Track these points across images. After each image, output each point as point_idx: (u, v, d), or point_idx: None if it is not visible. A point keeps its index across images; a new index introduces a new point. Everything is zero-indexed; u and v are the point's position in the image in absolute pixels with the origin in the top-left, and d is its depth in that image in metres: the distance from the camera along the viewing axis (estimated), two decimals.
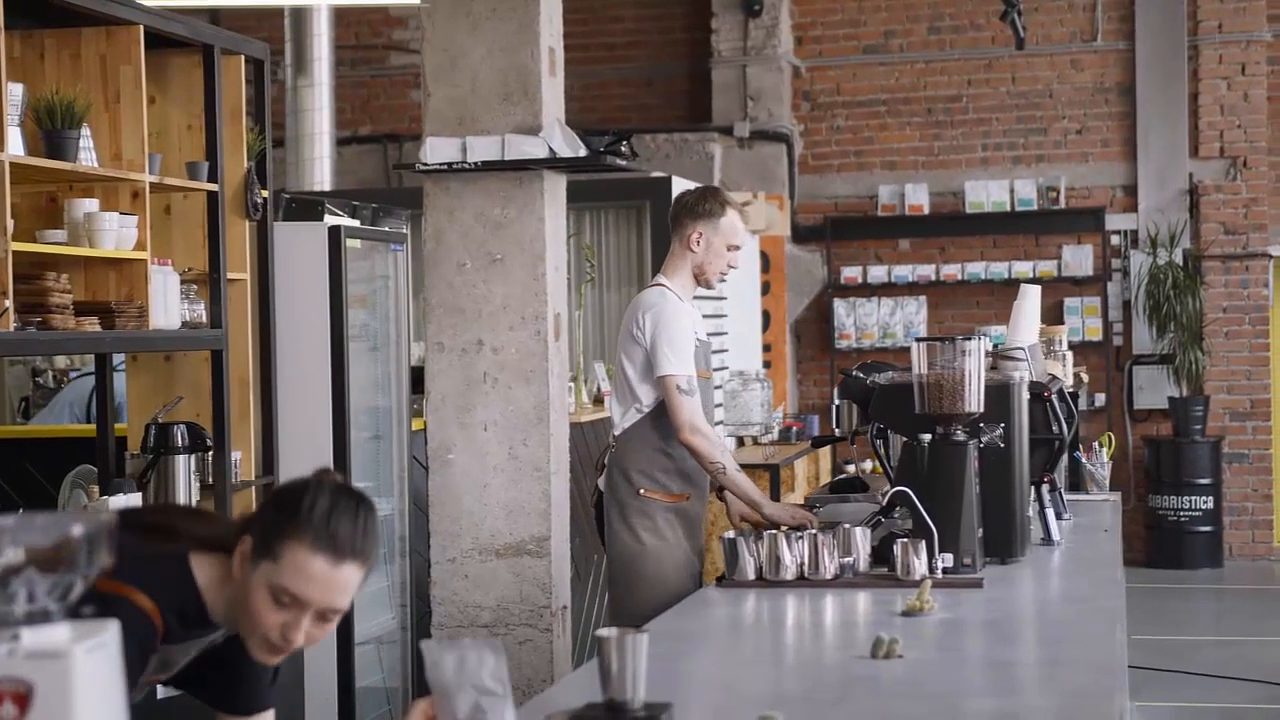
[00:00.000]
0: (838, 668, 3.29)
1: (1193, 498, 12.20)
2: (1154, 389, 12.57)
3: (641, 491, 5.18)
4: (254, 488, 5.83)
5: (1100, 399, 12.54)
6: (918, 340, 4.44)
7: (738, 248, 5.33)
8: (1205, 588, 11.80)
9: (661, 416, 5.16)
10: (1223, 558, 12.36)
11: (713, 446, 5.08)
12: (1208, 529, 12.25)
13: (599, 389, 8.04)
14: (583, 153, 5.88)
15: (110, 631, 1.78)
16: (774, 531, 4.33)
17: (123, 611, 2.46)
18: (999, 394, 4.53)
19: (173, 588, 2.63)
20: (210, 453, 5.51)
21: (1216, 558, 12.29)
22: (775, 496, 9.03)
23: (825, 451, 11.09)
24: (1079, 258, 12.61)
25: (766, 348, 12.32)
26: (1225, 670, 8.79)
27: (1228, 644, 9.81)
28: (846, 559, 4.28)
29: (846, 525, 4.38)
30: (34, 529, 1.75)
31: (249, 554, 2.59)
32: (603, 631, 2.73)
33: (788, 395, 12.67)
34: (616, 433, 5.30)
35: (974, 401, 4.38)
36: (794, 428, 10.84)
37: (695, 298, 5.44)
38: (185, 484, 5.35)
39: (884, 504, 4.45)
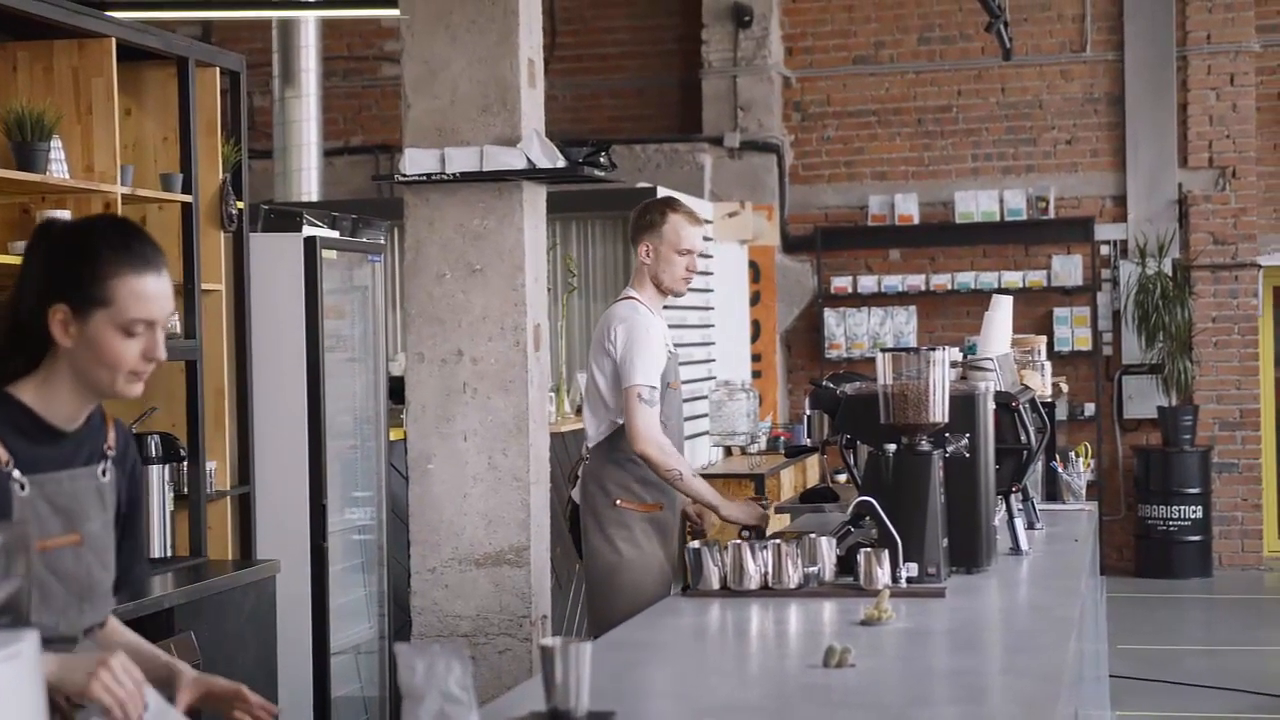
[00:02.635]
0: (789, 677, 3.31)
1: (1182, 507, 12.21)
2: (1143, 399, 12.57)
3: (618, 503, 5.25)
4: (229, 497, 5.84)
5: (1090, 408, 12.55)
6: (883, 351, 4.46)
7: (689, 252, 5.39)
8: (1194, 597, 11.80)
9: None
10: (1212, 567, 12.36)
11: (666, 455, 5.15)
12: (1197, 538, 12.25)
13: (580, 399, 8.06)
14: (561, 164, 5.90)
15: (28, 642, 1.80)
16: (738, 541, 4.34)
17: None
18: (964, 404, 4.54)
19: (1, 415, 2.66)
20: (184, 463, 5.52)
21: (1206, 567, 12.30)
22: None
23: (813, 461, 11.10)
24: (1068, 268, 12.63)
25: (756, 358, 12.34)
26: (1212, 680, 8.79)
27: (1215, 653, 9.82)
28: (811, 568, 4.29)
29: (812, 535, 4.39)
30: None
31: (72, 317, 2.66)
32: (546, 641, 2.76)
33: (778, 405, 12.68)
34: (590, 444, 5.37)
35: (938, 412, 4.39)
36: (782, 437, 10.85)
37: (667, 307, 5.49)
38: (159, 494, 5.37)
39: (845, 513, 4.46)
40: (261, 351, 6.08)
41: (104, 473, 2.80)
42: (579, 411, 7.95)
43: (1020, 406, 5.02)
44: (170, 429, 5.55)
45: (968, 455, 4.53)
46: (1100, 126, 12.78)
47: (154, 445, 5.37)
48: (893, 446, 4.40)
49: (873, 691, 3.13)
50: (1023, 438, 5.00)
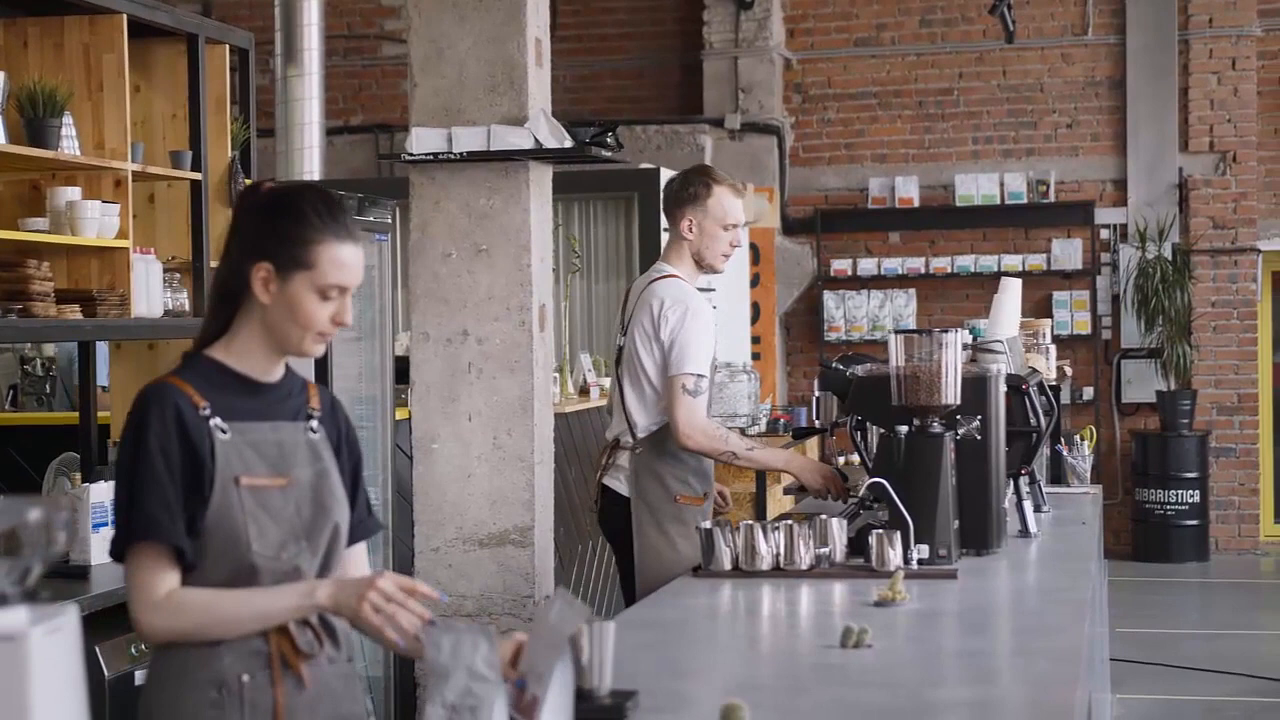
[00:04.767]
0: (806, 657, 3.32)
1: (1180, 491, 12.23)
2: (1142, 383, 12.59)
3: (678, 499, 5.06)
4: None
5: (1089, 392, 12.56)
6: (895, 332, 4.45)
7: (734, 226, 5.18)
8: (1191, 581, 11.83)
9: None
10: (1209, 551, 12.39)
11: (715, 440, 4.95)
12: (1194, 523, 12.28)
13: (585, 379, 8.06)
14: (568, 144, 5.89)
15: (68, 617, 1.80)
16: (750, 522, 4.34)
17: (146, 389, 2.81)
18: (976, 386, 4.54)
19: (196, 371, 2.85)
20: None
21: (1203, 551, 12.33)
22: (761, 488, 9.03)
23: (814, 443, 11.11)
24: (1068, 251, 12.64)
25: (756, 339, 12.35)
26: (1210, 663, 8.82)
27: (1213, 637, 9.85)
28: (823, 550, 4.30)
29: (823, 516, 4.40)
30: None
31: (274, 276, 2.82)
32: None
33: (776, 387, 12.69)
34: (640, 434, 5.12)
35: (950, 394, 4.39)
36: (782, 419, 10.87)
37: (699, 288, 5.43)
38: None
39: (859, 494, 4.46)
40: None
41: (313, 430, 2.93)
42: (583, 392, 7.95)
43: (1030, 389, 5.02)
44: None
45: (979, 437, 4.53)
46: (1101, 110, 12.78)
47: None
48: (905, 428, 4.40)
49: (891, 671, 3.14)
50: (1032, 420, 5.01)
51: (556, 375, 7.88)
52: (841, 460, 12.17)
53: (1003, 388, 4.70)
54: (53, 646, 1.76)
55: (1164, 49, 12.60)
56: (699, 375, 4.96)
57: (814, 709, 2.87)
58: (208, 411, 2.80)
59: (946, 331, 4.43)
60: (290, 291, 2.81)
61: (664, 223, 9.77)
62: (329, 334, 2.87)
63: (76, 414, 5.93)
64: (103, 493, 5.05)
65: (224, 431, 2.80)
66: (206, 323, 2.91)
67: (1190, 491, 12.23)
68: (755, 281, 12.36)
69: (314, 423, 2.94)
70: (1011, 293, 5.56)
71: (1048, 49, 12.84)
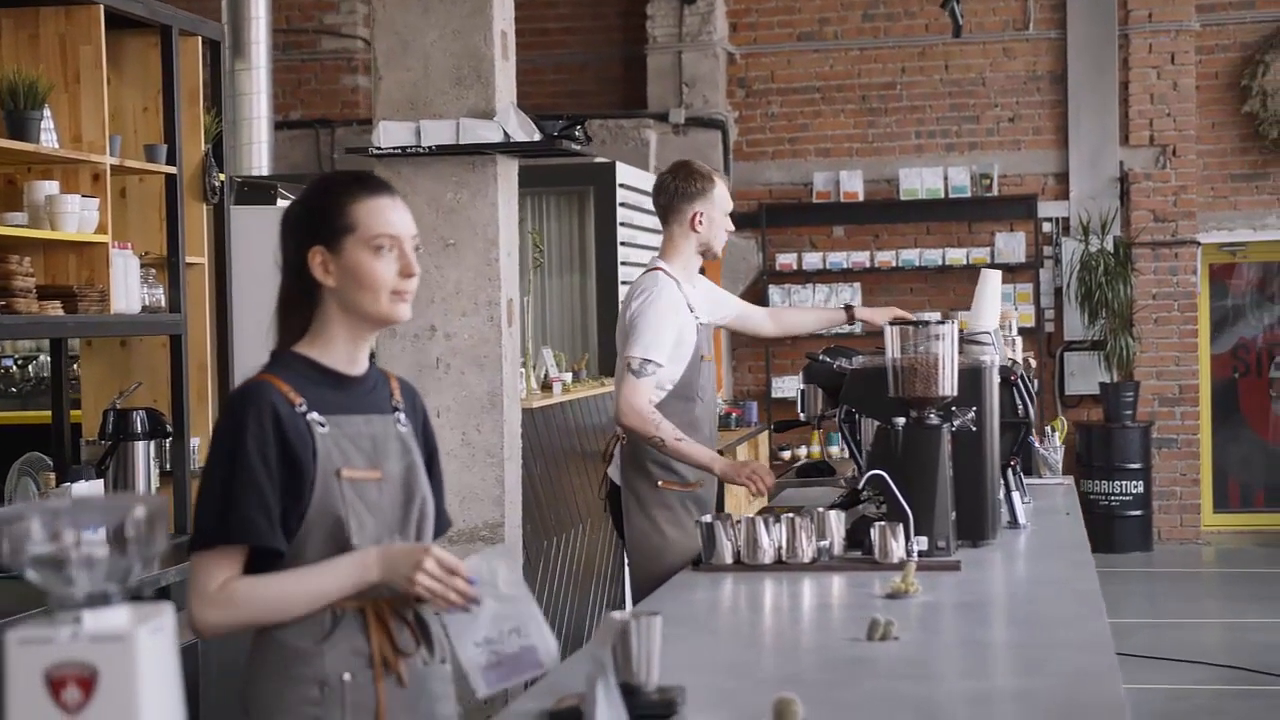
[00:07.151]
0: (835, 649, 3.29)
1: (1123, 482, 12.34)
2: (1085, 375, 12.69)
3: (660, 484, 5.14)
4: None
5: (1032, 385, 12.64)
6: (891, 324, 4.45)
7: (729, 211, 5.37)
8: (1136, 570, 11.93)
9: (672, 404, 5.10)
10: (1152, 541, 12.51)
11: (645, 424, 5.01)
12: (1138, 513, 12.39)
13: (547, 374, 8.03)
14: (537, 137, 5.86)
15: (167, 615, 1.75)
16: (751, 515, 4.32)
17: (242, 388, 2.82)
18: (971, 377, 4.55)
19: (287, 367, 2.84)
20: (169, 439, 5.43)
21: (1146, 541, 12.44)
22: (719, 484, 9.00)
23: (763, 437, 11.13)
24: (1012, 245, 12.71)
25: None
26: (1157, 652, 8.90)
27: (1159, 626, 9.94)
28: (822, 542, 4.29)
29: (821, 509, 4.39)
30: (93, 511, 1.73)
31: (328, 254, 2.82)
32: (617, 614, 2.73)
33: (723, 383, 12.69)
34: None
35: (947, 385, 4.39)
36: (733, 414, 10.88)
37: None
38: (144, 470, 5.28)
39: (858, 487, 4.45)
40: (243, 325, 6.00)
41: (401, 423, 2.92)
42: (546, 387, 7.91)
43: (1017, 380, 5.04)
44: (153, 404, 5.46)
45: (974, 429, 4.53)
46: (1043, 104, 12.86)
47: (139, 421, 5.28)
48: (902, 420, 4.40)
49: (927, 664, 3.13)
50: (1020, 411, 5.02)
51: (521, 370, 7.83)
52: (787, 455, 12.18)
53: (996, 379, 4.71)
54: (156, 645, 1.73)
55: (1104, 44, 12.70)
56: (645, 359, 5.03)
57: (863, 702, 2.84)
58: (304, 407, 2.79)
59: (943, 323, 4.43)
60: (346, 259, 2.81)
61: (619, 218, 9.76)
62: (405, 291, 2.84)
63: (43, 412, 5.83)
64: (84, 492, 4.97)
65: (322, 425, 2.80)
66: (279, 330, 2.90)
67: (1134, 482, 12.34)
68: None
69: (401, 415, 2.93)
70: (993, 284, 5.57)
71: (989, 43, 12.91)
